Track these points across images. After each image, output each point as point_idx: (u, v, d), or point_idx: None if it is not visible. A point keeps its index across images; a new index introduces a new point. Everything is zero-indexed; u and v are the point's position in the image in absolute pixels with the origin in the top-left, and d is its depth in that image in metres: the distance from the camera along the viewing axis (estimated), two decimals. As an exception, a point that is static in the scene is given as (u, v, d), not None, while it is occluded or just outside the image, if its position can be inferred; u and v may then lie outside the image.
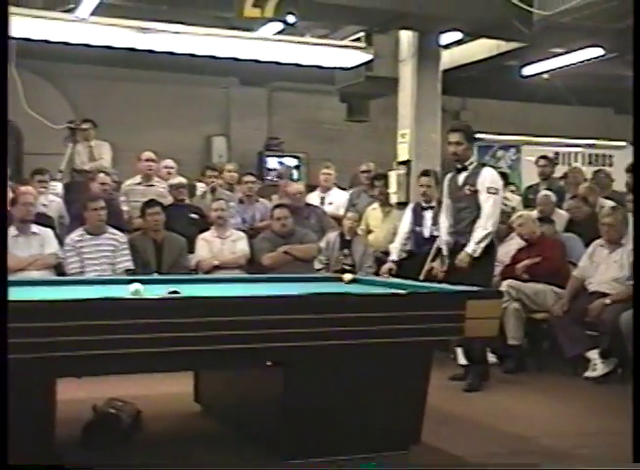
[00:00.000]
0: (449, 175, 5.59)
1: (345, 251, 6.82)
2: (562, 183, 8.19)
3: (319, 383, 3.56)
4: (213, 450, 3.78)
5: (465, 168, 5.39)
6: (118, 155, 8.19)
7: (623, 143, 11.75)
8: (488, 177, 5.33)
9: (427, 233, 6.40)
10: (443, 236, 5.59)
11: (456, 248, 5.38)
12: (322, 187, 8.18)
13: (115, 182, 7.38)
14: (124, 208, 7.22)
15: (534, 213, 6.80)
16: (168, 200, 7.17)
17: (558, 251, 6.30)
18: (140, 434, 3.95)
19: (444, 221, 5.57)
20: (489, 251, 5.33)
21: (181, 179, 7.55)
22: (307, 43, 7.91)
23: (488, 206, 5.26)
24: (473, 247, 5.23)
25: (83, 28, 6.79)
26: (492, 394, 5.23)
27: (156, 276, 5.76)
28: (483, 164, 5.75)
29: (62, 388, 3.42)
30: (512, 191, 8.07)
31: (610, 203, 6.98)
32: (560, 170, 9.17)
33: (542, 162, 8.26)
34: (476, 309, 3.70)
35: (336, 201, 8.03)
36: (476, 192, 5.29)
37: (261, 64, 8.16)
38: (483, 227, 5.25)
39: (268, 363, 3.51)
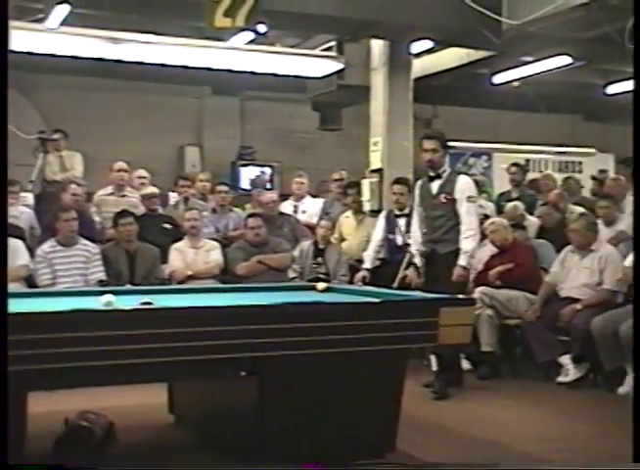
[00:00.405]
0: (420, 183, 5.56)
1: (319, 259, 6.82)
2: (533, 190, 8.26)
3: (293, 392, 3.55)
4: (188, 462, 3.75)
5: (438, 176, 5.36)
6: (90, 165, 8.13)
7: (592, 150, 11.92)
8: (467, 186, 5.33)
9: (400, 241, 6.43)
10: (415, 245, 5.57)
11: (433, 256, 5.35)
12: (295, 196, 8.20)
13: (87, 193, 7.33)
14: (96, 218, 7.17)
15: (506, 220, 6.84)
16: (141, 210, 7.14)
17: (530, 257, 6.35)
18: (113, 446, 3.91)
19: (416, 230, 5.55)
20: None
21: (154, 189, 7.51)
22: (279, 52, 7.94)
23: (470, 215, 5.27)
24: (465, 259, 5.23)
25: (53, 38, 6.76)
26: (467, 400, 5.25)
27: (129, 287, 5.73)
28: (458, 172, 5.75)
29: (33, 401, 3.38)
30: (485, 198, 8.12)
31: (579, 209, 7.06)
32: (531, 177, 9.26)
33: (513, 169, 8.33)
34: (449, 317, 3.71)
35: (309, 209, 8.05)
36: (453, 200, 5.26)
37: (234, 73, 8.18)
38: (473, 238, 5.28)
39: (242, 373, 3.50)
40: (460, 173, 5.66)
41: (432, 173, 5.38)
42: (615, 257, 5.83)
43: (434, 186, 5.36)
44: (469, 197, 5.28)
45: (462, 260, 5.23)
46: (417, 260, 5.55)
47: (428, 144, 5.32)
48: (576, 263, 5.89)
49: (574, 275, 5.86)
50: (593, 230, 5.95)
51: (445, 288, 4.45)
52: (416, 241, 5.57)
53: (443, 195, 5.30)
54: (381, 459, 3.71)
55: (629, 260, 5.55)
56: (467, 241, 5.25)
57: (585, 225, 5.92)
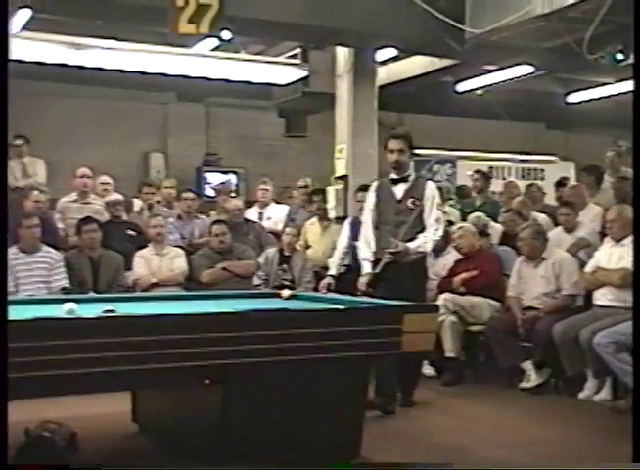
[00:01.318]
0: (376, 185, 5.17)
1: (284, 266, 6.83)
2: (497, 197, 8.35)
3: (258, 400, 3.55)
4: (152, 471, 3.73)
5: (404, 180, 5.03)
6: (53, 171, 8.04)
7: (554, 158, 12.08)
8: (436, 192, 5.07)
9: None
10: (365, 252, 5.09)
11: (396, 265, 4.86)
12: (260, 202, 8.19)
13: (51, 199, 7.25)
14: (59, 225, 7.09)
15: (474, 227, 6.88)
16: (105, 217, 7.07)
17: (495, 264, 6.38)
18: (76, 456, 3.87)
19: (370, 236, 5.10)
20: (422, 265, 5.09)
21: (118, 196, 7.45)
22: (244, 59, 7.93)
23: (439, 223, 5.05)
24: (417, 243, 4.89)
25: (14, 44, 6.67)
26: (431, 406, 5.28)
27: (92, 295, 5.67)
28: (426, 179, 5.45)
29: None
30: (451, 205, 8.19)
31: (542, 216, 7.15)
32: (494, 185, 9.36)
33: (475, 176, 8.42)
34: (413, 323, 3.73)
35: (274, 216, 8.05)
36: (420, 207, 4.95)
37: (199, 79, 8.15)
38: (432, 237, 4.97)
39: (207, 381, 3.48)
40: (427, 180, 5.36)
41: (396, 176, 5.04)
42: (568, 261, 5.91)
43: (399, 190, 5.01)
44: (439, 204, 5.13)
45: (412, 243, 4.87)
46: (367, 268, 5.04)
47: (394, 144, 4.97)
48: (532, 273, 5.95)
49: (532, 285, 5.93)
50: (541, 238, 6.01)
51: (412, 299, 4.22)
52: (366, 248, 5.10)
53: (411, 200, 4.96)
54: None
55: (590, 266, 5.64)
56: (422, 239, 4.91)
57: (531, 234, 5.98)
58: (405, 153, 4.97)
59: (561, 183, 8.58)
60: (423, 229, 4.98)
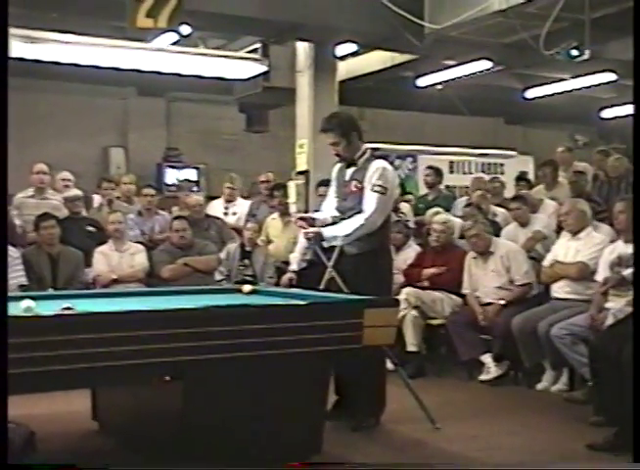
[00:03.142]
0: (337, 166, 4.76)
1: (246, 261, 6.81)
2: (450, 192, 8.42)
3: (219, 396, 3.54)
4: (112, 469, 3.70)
5: (353, 163, 4.57)
6: (10, 166, 7.90)
7: (513, 152, 12.23)
8: (378, 172, 4.44)
9: (326, 243, 6.44)
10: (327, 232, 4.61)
11: (342, 256, 4.62)
12: (226, 198, 8.16)
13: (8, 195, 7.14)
14: (17, 221, 6.99)
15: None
16: (64, 213, 6.99)
17: (462, 262, 6.22)
18: (34, 456, 3.83)
19: (326, 216, 4.73)
20: (381, 258, 4.62)
21: (77, 192, 7.37)
22: (204, 54, 7.89)
23: (370, 205, 4.41)
24: (332, 228, 4.53)
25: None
26: (392, 400, 5.31)
27: (51, 292, 5.61)
28: (377, 157, 4.67)
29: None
30: (407, 201, 8.24)
31: (501, 210, 7.24)
32: (454, 179, 9.46)
33: (427, 171, 8.48)
34: (373, 318, 3.76)
35: (239, 211, 8.03)
36: (362, 189, 4.48)
37: (159, 74, 8.09)
38: (351, 225, 4.45)
39: (167, 378, 3.47)
40: (378, 158, 4.63)
41: (345, 162, 4.64)
42: (515, 251, 6.00)
43: (348, 173, 4.61)
44: (374, 185, 4.41)
45: (327, 229, 4.52)
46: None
47: (326, 138, 4.60)
48: (482, 268, 6.01)
49: (484, 280, 5.99)
50: (491, 233, 6.10)
51: (357, 292, 4.12)
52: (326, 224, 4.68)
53: (354, 183, 4.52)
54: (307, 460, 3.73)
55: (548, 260, 5.73)
56: (344, 225, 4.47)
57: (484, 229, 6.05)
58: (339, 144, 4.52)
59: (521, 178, 8.69)
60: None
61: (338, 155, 4.61)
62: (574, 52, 6.76)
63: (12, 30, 6.71)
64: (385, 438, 4.36)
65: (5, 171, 2.80)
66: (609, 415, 4.20)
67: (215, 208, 8.00)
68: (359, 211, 4.46)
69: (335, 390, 4.52)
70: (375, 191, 4.41)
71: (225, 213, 7.92)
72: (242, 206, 8.10)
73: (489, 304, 5.89)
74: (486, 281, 5.97)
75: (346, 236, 4.49)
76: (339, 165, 4.73)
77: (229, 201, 8.13)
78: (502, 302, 5.78)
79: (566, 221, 5.65)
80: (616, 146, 10.23)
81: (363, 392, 4.51)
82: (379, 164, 4.51)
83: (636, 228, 4.19)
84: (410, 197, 8.64)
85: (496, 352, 5.74)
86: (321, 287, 4.83)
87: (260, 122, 9.19)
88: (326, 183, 6.55)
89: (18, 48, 6.86)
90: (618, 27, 6.51)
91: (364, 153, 4.58)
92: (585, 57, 6.75)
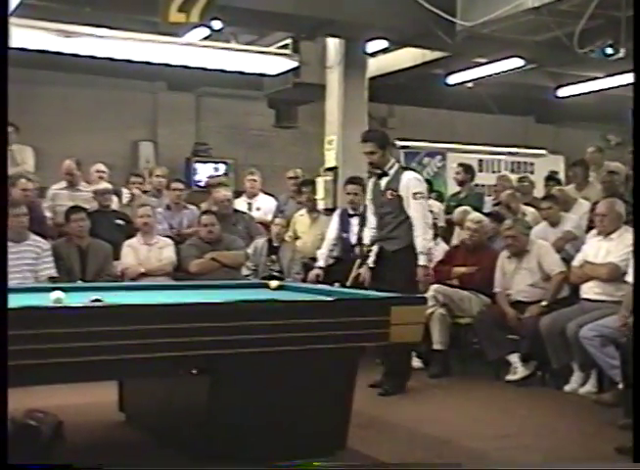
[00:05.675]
0: (372, 180, 5.52)
1: (273, 257, 6.82)
2: (480, 190, 8.35)
3: (245, 390, 3.55)
4: (138, 461, 3.72)
5: (386, 174, 5.32)
6: (42, 159, 8.00)
7: (543, 151, 12.12)
8: (412, 182, 5.25)
9: (353, 239, 6.45)
10: (367, 240, 5.55)
11: (382, 254, 5.33)
12: (248, 193, 8.18)
13: (40, 187, 7.21)
14: (48, 213, 7.06)
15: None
16: (94, 205, 7.05)
17: (494, 262, 6.15)
18: (62, 445, 3.86)
19: (371, 225, 5.51)
20: (411, 256, 5.23)
21: (106, 185, 7.43)
22: (234, 49, 7.91)
23: (418, 212, 5.21)
24: (423, 259, 5.19)
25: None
26: (418, 398, 5.31)
27: (80, 284, 5.65)
28: (405, 168, 5.58)
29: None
30: (435, 199, 8.19)
31: (531, 209, 7.18)
32: (484, 178, 9.38)
33: (457, 169, 8.40)
34: (400, 315, 3.74)
35: (263, 206, 8.04)
36: (398, 197, 5.23)
37: (189, 69, 8.12)
38: (423, 236, 5.19)
39: (194, 371, 3.49)
40: (406, 169, 5.53)
41: (378, 171, 5.37)
42: (545, 246, 5.98)
43: (383, 183, 5.34)
44: (415, 193, 5.21)
45: (421, 260, 5.19)
46: (370, 258, 5.45)
47: (364, 147, 5.30)
48: (515, 267, 5.96)
49: (517, 279, 5.95)
50: (528, 233, 6.07)
51: (392, 287, 4.37)
52: (367, 237, 5.55)
53: (390, 192, 5.27)
54: (331, 456, 3.73)
55: (578, 260, 5.67)
56: (418, 240, 5.20)
57: (522, 230, 6.01)
58: (376, 153, 5.27)
59: (551, 177, 8.61)
60: (405, 219, 5.24)
61: (371, 163, 5.35)
62: (609, 50, 6.66)
63: (47, 24, 6.82)
64: (410, 436, 4.34)
65: (5, 171, 2.82)
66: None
67: (239, 204, 8.01)
68: (396, 216, 5.25)
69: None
70: (417, 199, 5.21)
71: (249, 209, 7.92)
72: (265, 201, 8.10)
73: (519, 302, 5.84)
74: (519, 279, 5.93)
75: (426, 240, 5.25)
76: (372, 180, 5.48)
77: (251, 196, 8.14)
78: (544, 303, 5.72)
79: (602, 222, 5.54)
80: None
81: (392, 365, 5.32)
82: (410, 176, 5.32)
83: (636, 228, 4.17)
84: (435, 194, 8.56)
85: (524, 353, 5.70)
86: (348, 284, 4.96)
87: (289, 118, 9.20)
88: (354, 181, 6.58)
89: (53, 42, 6.94)
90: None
91: (393, 165, 5.34)
92: (620, 55, 6.64)
